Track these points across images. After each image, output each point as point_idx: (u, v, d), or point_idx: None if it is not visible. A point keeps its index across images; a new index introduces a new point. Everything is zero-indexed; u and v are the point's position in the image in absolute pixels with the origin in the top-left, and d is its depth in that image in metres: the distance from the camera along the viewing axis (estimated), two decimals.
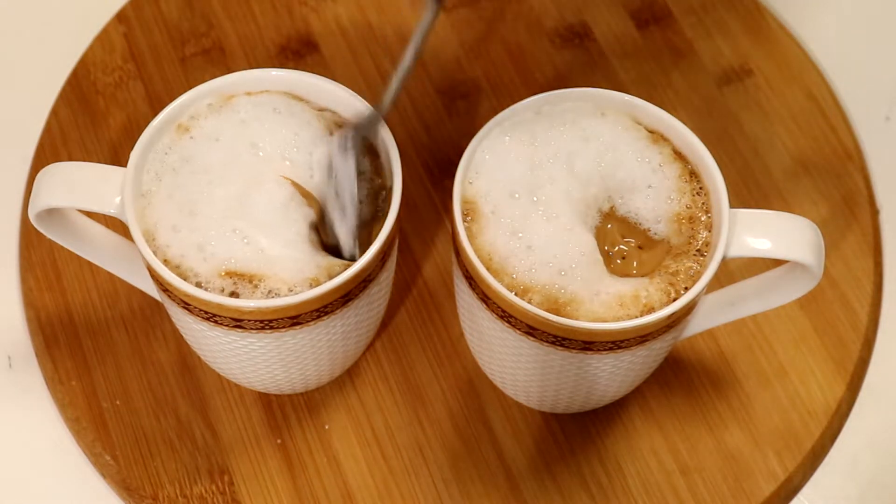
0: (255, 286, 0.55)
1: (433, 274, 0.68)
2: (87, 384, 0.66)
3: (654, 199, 0.58)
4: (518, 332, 0.56)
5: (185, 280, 0.55)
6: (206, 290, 0.55)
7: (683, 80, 0.74)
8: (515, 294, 0.55)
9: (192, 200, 0.57)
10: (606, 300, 0.55)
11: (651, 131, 0.59)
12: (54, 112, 0.73)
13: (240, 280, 0.55)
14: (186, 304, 0.56)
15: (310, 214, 0.57)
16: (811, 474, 0.65)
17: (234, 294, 0.55)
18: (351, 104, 0.59)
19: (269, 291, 0.55)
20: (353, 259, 0.56)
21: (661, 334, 0.57)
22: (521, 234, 0.56)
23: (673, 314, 0.55)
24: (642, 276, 0.56)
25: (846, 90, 0.75)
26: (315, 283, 0.55)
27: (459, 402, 0.65)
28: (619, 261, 0.57)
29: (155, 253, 0.56)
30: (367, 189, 0.57)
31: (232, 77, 0.60)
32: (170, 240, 0.56)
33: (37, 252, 0.69)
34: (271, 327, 0.56)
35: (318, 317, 0.56)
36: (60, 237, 0.59)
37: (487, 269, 0.55)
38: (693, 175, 0.58)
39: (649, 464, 0.64)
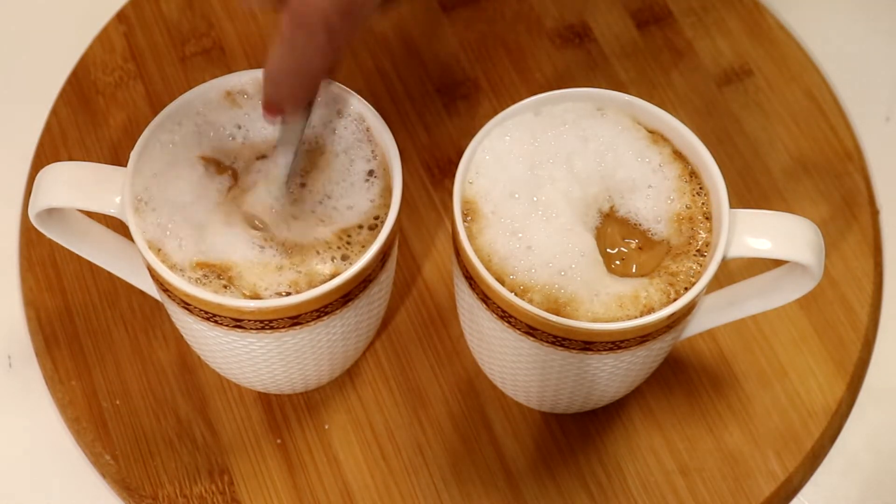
0: (228, 279, 0.55)
1: (433, 274, 0.68)
2: (87, 384, 0.66)
3: (654, 199, 0.58)
4: (518, 332, 0.56)
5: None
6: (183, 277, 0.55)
7: (683, 80, 0.74)
8: (515, 294, 0.55)
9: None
10: (606, 300, 0.55)
11: (651, 131, 0.59)
12: (54, 112, 0.73)
13: (210, 273, 0.55)
14: (186, 304, 0.56)
15: (224, 181, 0.57)
16: (811, 474, 0.65)
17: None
18: (351, 103, 0.59)
19: (243, 290, 0.55)
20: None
21: (661, 334, 0.57)
22: (520, 235, 0.56)
23: (673, 314, 0.55)
24: (642, 276, 0.56)
25: (846, 90, 0.75)
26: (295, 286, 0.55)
27: (459, 402, 0.65)
28: (618, 261, 0.57)
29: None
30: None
31: (231, 77, 0.60)
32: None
33: (37, 252, 0.69)
34: (271, 327, 0.56)
35: (318, 317, 0.56)
36: (60, 237, 0.59)
37: (487, 269, 0.55)
38: (693, 175, 0.58)
39: (649, 464, 0.64)
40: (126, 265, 0.62)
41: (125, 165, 0.57)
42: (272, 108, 0.52)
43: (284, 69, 0.50)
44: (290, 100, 0.52)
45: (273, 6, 0.50)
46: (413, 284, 0.68)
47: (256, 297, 0.55)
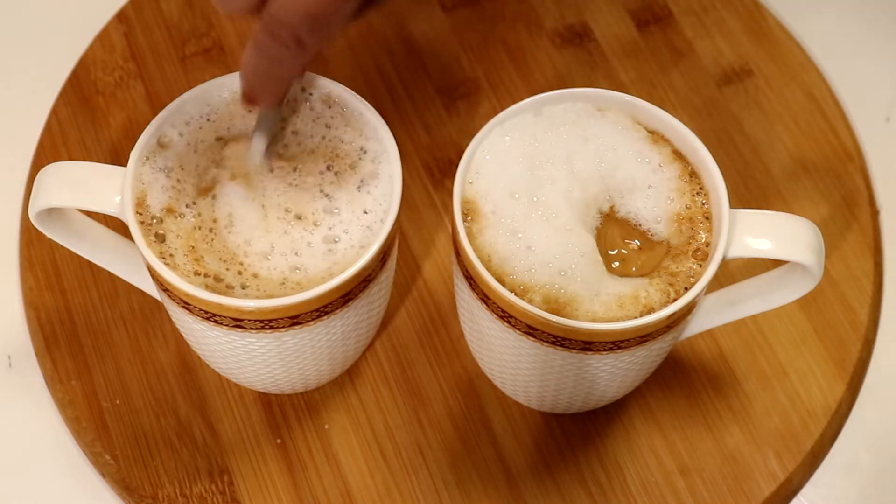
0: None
1: (433, 274, 0.68)
2: (87, 384, 0.66)
3: (654, 199, 0.58)
4: (518, 332, 0.56)
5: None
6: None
7: (683, 80, 0.74)
8: (515, 294, 0.55)
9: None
10: (606, 301, 0.55)
11: (651, 131, 0.59)
12: (54, 112, 0.73)
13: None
14: (186, 304, 0.56)
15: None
16: (811, 475, 0.65)
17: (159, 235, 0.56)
18: (351, 103, 0.59)
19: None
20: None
21: (661, 335, 0.57)
22: (520, 235, 0.56)
23: (672, 315, 0.55)
24: (642, 276, 0.56)
25: (846, 90, 0.75)
26: None
27: (459, 402, 0.65)
28: (618, 262, 0.57)
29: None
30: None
31: (230, 77, 0.60)
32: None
33: (37, 251, 0.69)
34: (271, 327, 0.56)
35: (318, 317, 0.56)
36: (60, 237, 0.59)
37: (487, 269, 0.55)
38: (693, 175, 0.58)
39: (649, 464, 0.64)
40: (126, 265, 0.62)
41: (125, 165, 0.57)
42: (248, 100, 0.56)
43: (258, 71, 0.54)
44: (263, 95, 0.56)
45: (250, 11, 0.53)
46: (413, 284, 0.68)
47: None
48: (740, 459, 0.64)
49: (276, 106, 0.57)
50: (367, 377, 0.66)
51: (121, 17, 0.76)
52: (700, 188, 0.58)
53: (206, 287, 0.55)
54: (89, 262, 0.62)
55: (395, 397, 0.65)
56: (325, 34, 0.52)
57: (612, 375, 0.59)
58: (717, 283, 0.60)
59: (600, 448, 0.64)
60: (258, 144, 0.58)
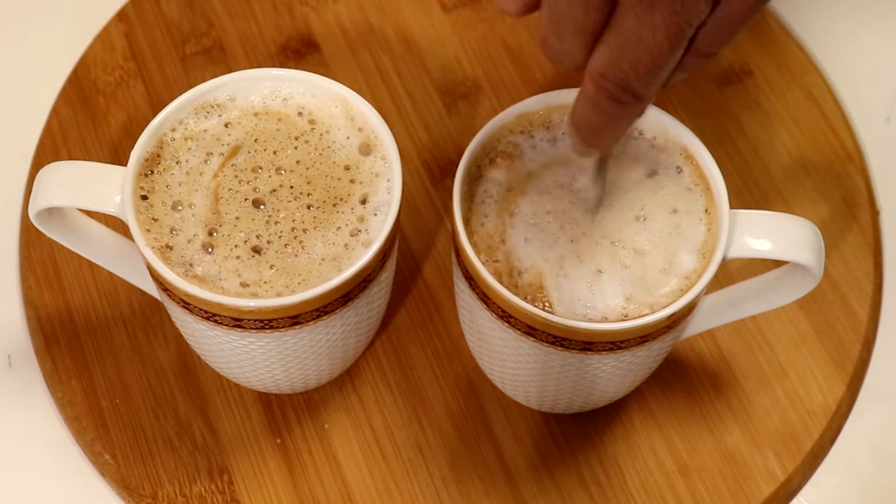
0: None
1: (433, 274, 0.68)
2: (87, 383, 0.66)
3: (654, 198, 0.58)
4: (518, 332, 0.56)
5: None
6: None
7: (683, 80, 0.74)
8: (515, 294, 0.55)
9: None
10: (605, 299, 0.55)
11: (652, 133, 0.59)
12: (55, 111, 0.73)
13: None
14: (186, 304, 0.56)
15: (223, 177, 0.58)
16: (811, 475, 0.65)
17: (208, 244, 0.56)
18: (351, 103, 0.59)
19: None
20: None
21: (661, 335, 0.57)
22: (521, 234, 0.56)
23: (672, 315, 0.55)
24: (642, 276, 0.56)
25: (846, 90, 0.75)
26: None
27: (459, 402, 0.65)
28: (619, 261, 0.57)
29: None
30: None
31: (230, 77, 0.60)
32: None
33: (37, 251, 0.69)
34: (271, 327, 0.56)
35: (318, 317, 0.56)
36: (60, 236, 0.59)
37: (487, 269, 0.55)
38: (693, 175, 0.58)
39: (648, 464, 0.64)
40: (126, 265, 0.62)
41: (125, 165, 0.57)
42: (580, 148, 0.53)
43: (592, 126, 0.51)
44: (596, 145, 0.53)
45: (576, 68, 0.51)
46: (413, 284, 0.68)
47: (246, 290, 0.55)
48: (740, 459, 0.64)
49: (610, 149, 0.56)
50: (367, 377, 0.66)
51: (121, 16, 0.76)
52: (700, 188, 0.58)
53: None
54: (89, 262, 0.62)
55: (395, 397, 0.65)
56: (660, 82, 0.50)
57: (612, 375, 0.59)
58: (717, 283, 0.60)
59: (600, 448, 0.64)
60: (595, 189, 0.57)
